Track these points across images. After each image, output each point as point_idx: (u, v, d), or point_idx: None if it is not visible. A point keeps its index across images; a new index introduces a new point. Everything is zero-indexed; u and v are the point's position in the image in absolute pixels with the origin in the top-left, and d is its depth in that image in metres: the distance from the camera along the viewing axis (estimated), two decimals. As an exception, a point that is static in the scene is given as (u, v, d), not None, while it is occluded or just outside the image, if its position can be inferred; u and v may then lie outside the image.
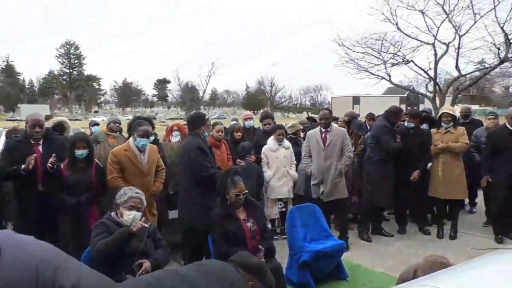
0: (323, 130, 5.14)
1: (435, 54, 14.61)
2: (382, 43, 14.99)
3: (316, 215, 4.38)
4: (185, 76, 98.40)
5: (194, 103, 67.81)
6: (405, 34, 14.57)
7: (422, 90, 25.83)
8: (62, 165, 3.93)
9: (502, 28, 12.76)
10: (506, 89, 39.96)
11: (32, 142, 4.02)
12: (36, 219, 3.93)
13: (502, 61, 13.48)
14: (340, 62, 15.93)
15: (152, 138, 4.44)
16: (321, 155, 5.08)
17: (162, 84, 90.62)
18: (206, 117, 4.50)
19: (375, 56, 15.29)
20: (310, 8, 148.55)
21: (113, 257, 2.87)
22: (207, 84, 67.32)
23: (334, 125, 5.29)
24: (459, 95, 16.61)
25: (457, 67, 14.64)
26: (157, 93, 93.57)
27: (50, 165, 3.83)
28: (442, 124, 5.39)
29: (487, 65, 15.34)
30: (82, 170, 3.93)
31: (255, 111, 70.30)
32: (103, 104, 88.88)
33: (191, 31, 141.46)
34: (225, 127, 6.00)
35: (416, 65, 15.20)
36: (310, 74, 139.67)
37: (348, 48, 15.37)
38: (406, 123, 5.64)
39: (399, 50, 15.06)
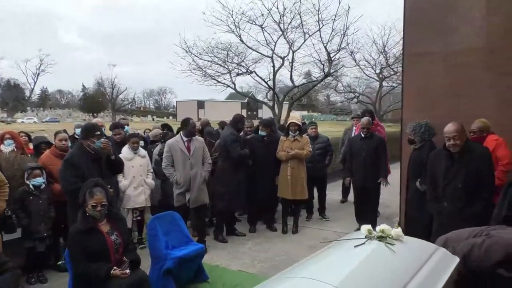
0: (185, 139, 5.25)
1: (273, 66, 16.15)
2: (227, 53, 15.87)
3: (177, 222, 4.48)
4: (6, 72, 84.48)
5: (19, 104, 59.22)
6: (248, 46, 15.71)
7: (260, 96, 28.32)
8: None
9: (325, 47, 14.94)
10: (328, 98, 46.79)
11: None
12: None
13: (326, 75, 15.77)
14: (187, 69, 16.17)
15: None
16: (187, 164, 5.18)
17: (-27, 80, 76.13)
18: (97, 130, 4.18)
19: (221, 65, 16.08)
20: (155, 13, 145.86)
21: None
22: (35, 82, 59.63)
23: None
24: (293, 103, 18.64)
25: (291, 79, 16.51)
26: (-34, 91, 78.16)
27: None
28: (290, 132, 5.97)
29: (314, 78, 17.74)
30: None
31: (95, 114, 65.21)
32: None
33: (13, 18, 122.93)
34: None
35: (257, 75, 16.52)
36: (153, 77, 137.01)
37: (196, 56, 15.76)
38: (260, 132, 6.15)
39: (243, 61, 16.18)
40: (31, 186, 4.36)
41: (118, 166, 4.47)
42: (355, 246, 2.12)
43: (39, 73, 57.97)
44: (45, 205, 4.42)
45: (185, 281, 4.22)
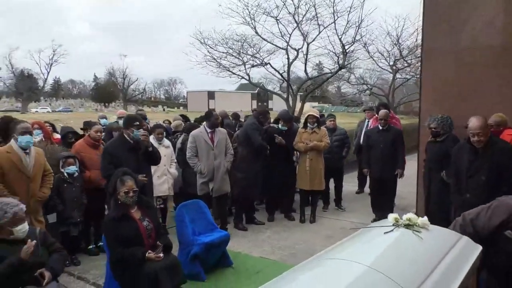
0: (209, 130, 5.44)
1: (288, 58, 16.21)
2: (242, 45, 15.98)
3: (202, 210, 4.67)
4: (20, 63, 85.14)
5: (32, 94, 59.77)
6: (262, 38, 15.79)
7: (270, 87, 28.34)
8: None
9: (340, 39, 14.96)
10: (338, 89, 46.53)
11: None
12: None
13: (340, 68, 15.79)
14: (203, 60, 16.31)
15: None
16: (210, 155, 5.39)
17: (-12, 71, 76.82)
18: (137, 120, 4.44)
19: (235, 57, 16.19)
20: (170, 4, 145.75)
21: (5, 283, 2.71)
22: (48, 73, 60.02)
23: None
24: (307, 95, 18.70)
25: (305, 71, 16.56)
26: (-18, 81, 79.02)
27: None
28: (309, 125, 6.14)
29: (327, 69, 17.75)
30: None
31: (106, 104, 65.72)
32: None
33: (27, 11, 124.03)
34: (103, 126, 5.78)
35: (272, 67, 16.60)
36: (163, 67, 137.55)
37: (211, 47, 15.88)
38: (280, 126, 6.33)
39: (258, 52, 16.27)
40: (65, 174, 4.59)
41: (155, 158, 4.65)
42: (384, 233, 2.27)
43: (52, 63, 58.20)
44: (78, 192, 4.65)
45: (211, 266, 4.42)
